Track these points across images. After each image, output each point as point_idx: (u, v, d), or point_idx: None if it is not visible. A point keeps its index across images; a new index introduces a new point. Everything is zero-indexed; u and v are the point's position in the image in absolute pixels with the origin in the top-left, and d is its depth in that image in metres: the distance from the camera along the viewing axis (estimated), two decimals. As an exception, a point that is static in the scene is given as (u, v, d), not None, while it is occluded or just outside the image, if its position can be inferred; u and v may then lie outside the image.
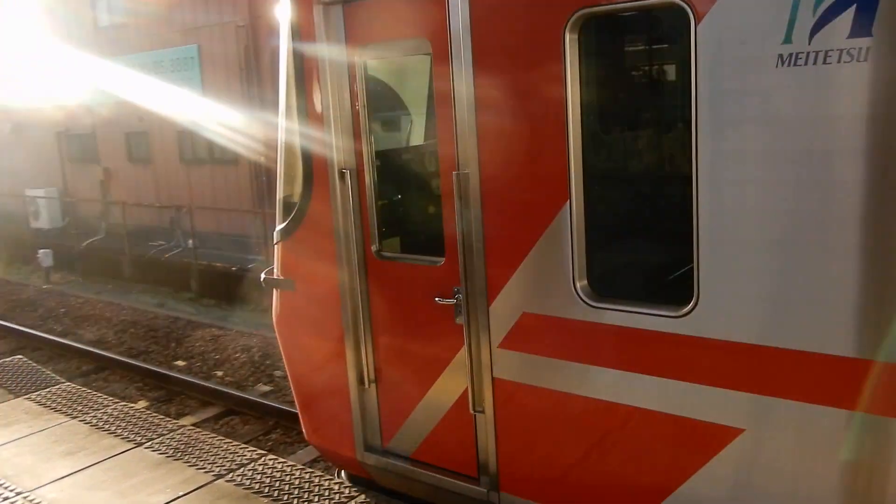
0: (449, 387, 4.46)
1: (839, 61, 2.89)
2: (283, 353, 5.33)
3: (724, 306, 3.37)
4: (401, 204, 5.07)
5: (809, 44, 2.94)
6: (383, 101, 5.29)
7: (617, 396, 3.77)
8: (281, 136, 4.92)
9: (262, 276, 5.16)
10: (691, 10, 3.18)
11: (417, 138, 5.61)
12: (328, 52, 4.49)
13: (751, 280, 3.30)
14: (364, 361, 4.73)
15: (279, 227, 4.99)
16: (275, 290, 5.16)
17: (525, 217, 3.93)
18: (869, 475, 3.20)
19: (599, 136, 4.26)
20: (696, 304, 3.42)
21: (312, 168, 4.69)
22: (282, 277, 5.02)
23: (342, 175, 4.56)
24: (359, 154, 4.56)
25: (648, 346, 3.61)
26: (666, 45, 4.70)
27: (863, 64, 2.84)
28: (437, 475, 4.64)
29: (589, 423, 3.90)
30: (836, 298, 3.08)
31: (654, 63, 4.97)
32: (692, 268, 3.42)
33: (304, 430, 5.43)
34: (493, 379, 4.20)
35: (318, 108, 4.58)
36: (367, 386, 4.80)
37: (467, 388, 4.28)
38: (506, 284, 4.04)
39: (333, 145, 4.56)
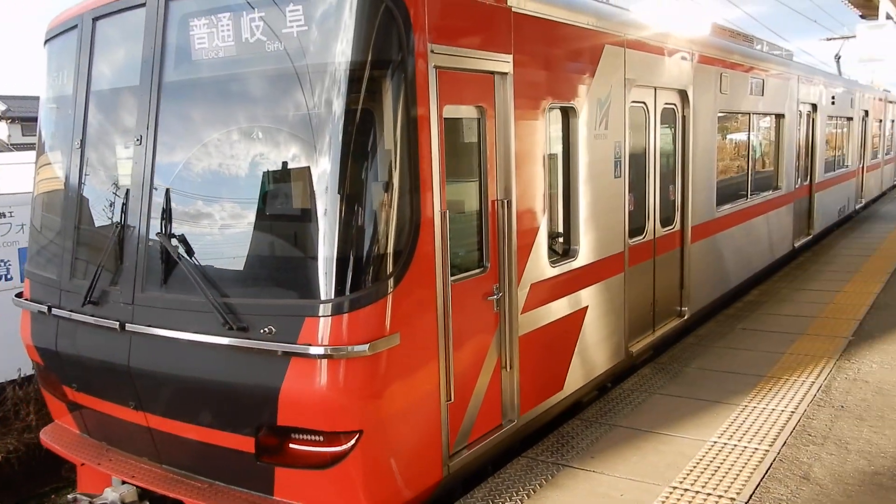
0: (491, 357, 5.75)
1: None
2: (370, 419, 4.87)
3: None
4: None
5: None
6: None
7: None
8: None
9: (329, 349, 4.68)
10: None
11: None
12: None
13: None
14: (449, 378, 5.23)
15: (376, 283, 4.79)
16: (349, 366, 4.73)
17: None
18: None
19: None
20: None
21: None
22: (382, 337, 4.80)
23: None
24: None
25: None
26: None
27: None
28: (485, 440, 5.67)
29: None
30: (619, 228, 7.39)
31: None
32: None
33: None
34: None
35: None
36: (450, 400, 5.25)
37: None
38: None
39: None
